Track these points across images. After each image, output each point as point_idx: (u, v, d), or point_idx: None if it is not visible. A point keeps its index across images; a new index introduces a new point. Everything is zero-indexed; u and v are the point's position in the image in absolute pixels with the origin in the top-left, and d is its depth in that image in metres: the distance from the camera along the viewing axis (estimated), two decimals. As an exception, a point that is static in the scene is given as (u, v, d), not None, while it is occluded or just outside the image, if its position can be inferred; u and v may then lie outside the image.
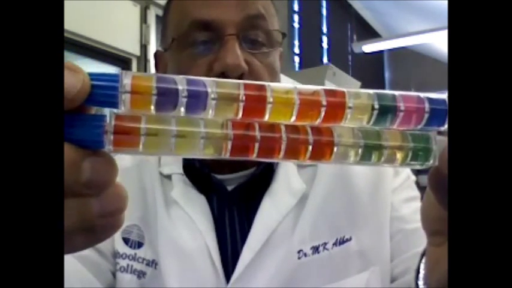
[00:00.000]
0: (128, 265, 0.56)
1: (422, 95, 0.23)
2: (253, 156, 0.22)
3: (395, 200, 0.59)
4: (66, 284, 0.50)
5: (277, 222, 0.54)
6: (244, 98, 0.21)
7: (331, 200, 0.56)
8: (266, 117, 0.22)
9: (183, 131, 0.20)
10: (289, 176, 0.57)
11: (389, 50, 4.48)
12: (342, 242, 0.54)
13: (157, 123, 0.20)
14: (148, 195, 0.59)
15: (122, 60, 2.16)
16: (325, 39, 3.87)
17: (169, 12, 0.57)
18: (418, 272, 0.35)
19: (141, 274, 0.55)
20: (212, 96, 0.20)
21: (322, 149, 0.22)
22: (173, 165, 0.59)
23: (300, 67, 3.47)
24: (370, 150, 0.23)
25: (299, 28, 3.54)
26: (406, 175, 0.62)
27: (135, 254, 0.56)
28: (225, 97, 0.20)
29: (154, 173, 0.60)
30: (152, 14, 2.28)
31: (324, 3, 3.94)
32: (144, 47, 2.25)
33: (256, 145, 0.21)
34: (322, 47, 3.85)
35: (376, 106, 0.22)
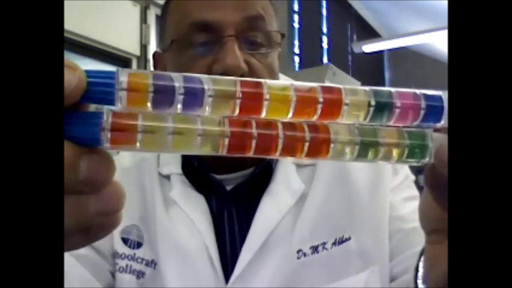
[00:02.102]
0: (127, 265, 0.56)
1: (418, 91, 0.23)
2: (250, 153, 0.22)
3: (395, 199, 0.59)
4: (66, 283, 0.50)
5: (276, 222, 0.54)
6: (240, 95, 0.21)
7: (330, 200, 0.56)
8: (263, 114, 0.22)
9: (180, 128, 0.20)
10: (288, 176, 0.57)
11: (389, 50, 4.48)
12: (341, 241, 0.54)
13: (154, 120, 0.20)
14: (147, 195, 0.59)
15: (121, 60, 2.16)
16: (325, 39, 3.87)
17: (168, 13, 0.57)
18: (417, 270, 0.36)
19: (140, 274, 0.55)
20: (209, 93, 0.20)
21: (318, 146, 0.22)
22: (172, 165, 0.59)
23: (300, 67, 3.46)
24: (367, 147, 0.23)
25: (299, 28, 3.54)
26: (405, 174, 0.62)
27: (134, 254, 0.56)
28: (222, 94, 0.21)
29: (154, 173, 0.60)
30: (152, 14, 2.28)
31: (324, 3, 3.94)
32: (144, 47, 2.25)
33: (253, 142, 0.21)
34: (322, 47, 3.85)
35: (373, 103, 0.22)
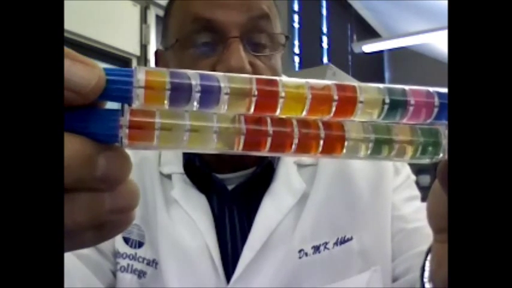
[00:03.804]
0: (128, 265, 0.56)
1: (431, 89, 0.23)
2: (265, 151, 0.22)
3: (396, 199, 0.59)
4: (67, 282, 0.50)
5: (278, 221, 0.54)
6: (256, 92, 0.21)
7: (332, 200, 0.56)
8: (277, 112, 0.22)
9: (197, 125, 0.20)
10: (289, 176, 0.57)
11: (389, 50, 4.48)
12: (343, 241, 0.54)
13: (171, 118, 0.20)
14: (148, 194, 0.59)
15: (121, 60, 2.17)
16: (325, 39, 3.87)
17: (172, 11, 0.57)
18: (423, 270, 0.35)
19: (141, 274, 0.55)
20: (225, 91, 0.20)
21: (333, 144, 0.22)
22: (173, 164, 0.59)
23: (300, 67, 3.46)
24: (381, 144, 0.23)
25: (299, 28, 3.54)
26: (406, 174, 0.62)
27: (136, 253, 0.56)
28: (238, 92, 0.21)
29: (155, 172, 0.60)
30: (152, 14, 2.29)
31: (324, 3, 3.94)
32: (144, 47, 2.25)
33: (269, 140, 0.21)
34: (322, 47, 3.85)
35: (387, 101, 0.22)
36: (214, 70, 0.51)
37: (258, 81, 0.21)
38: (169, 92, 0.20)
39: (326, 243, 0.54)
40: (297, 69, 3.44)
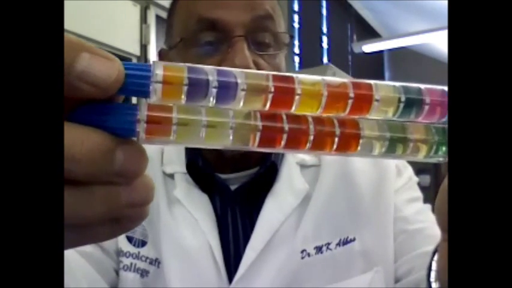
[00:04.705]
0: (131, 263, 0.56)
1: (446, 88, 0.23)
2: (280, 148, 0.22)
3: (399, 200, 0.59)
4: (71, 279, 0.50)
5: (280, 222, 0.54)
6: (273, 89, 0.21)
7: (334, 200, 0.56)
8: (293, 109, 0.22)
9: (213, 121, 0.20)
10: (292, 176, 0.57)
11: (389, 50, 4.49)
12: (345, 242, 0.54)
13: (188, 113, 0.20)
14: None
15: (121, 60, 2.16)
16: (325, 39, 3.87)
17: (176, 10, 0.57)
18: (429, 269, 0.35)
19: (144, 273, 0.55)
20: (242, 87, 0.20)
21: (348, 141, 0.22)
22: (176, 164, 0.59)
23: (300, 67, 3.47)
24: (395, 143, 0.23)
25: (299, 28, 3.54)
26: (408, 176, 0.62)
27: (139, 252, 0.56)
28: (255, 88, 0.21)
29: (157, 172, 0.60)
30: (152, 14, 2.28)
31: (324, 3, 3.94)
32: (144, 47, 2.25)
33: (284, 136, 0.21)
34: (322, 47, 3.85)
35: (403, 99, 0.22)
36: None
37: (275, 78, 0.21)
38: (187, 87, 0.19)
39: (328, 243, 0.54)
40: (297, 69, 3.44)
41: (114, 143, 0.19)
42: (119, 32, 2.10)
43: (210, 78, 0.20)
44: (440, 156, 0.24)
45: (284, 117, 0.22)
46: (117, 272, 0.57)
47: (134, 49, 2.20)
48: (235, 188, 0.57)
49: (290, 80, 0.21)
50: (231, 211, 0.57)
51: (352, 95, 0.22)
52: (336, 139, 0.22)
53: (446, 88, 0.24)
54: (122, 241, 0.57)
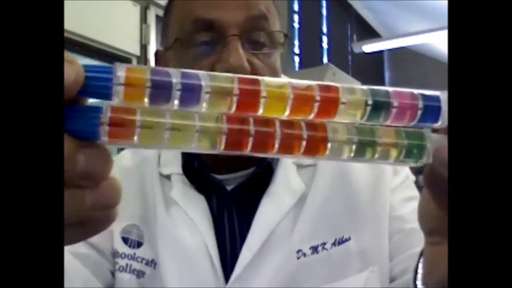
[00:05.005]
0: (127, 265, 0.56)
1: (416, 91, 0.23)
2: (247, 151, 0.22)
3: (395, 199, 0.59)
4: (66, 282, 0.50)
5: (276, 222, 0.54)
6: (238, 92, 0.21)
7: (330, 200, 0.56)
8: (260, 112, 0.22)
9: (178, 124, 0.20)
10: (288, 176, 0.57)
11: (389, 50, 4.48)
12: (341, 241, 0.54)
13: (152, 115, 0.20)
14: (148, 195, 0.59)
15: (121, 60, 2.16)
16: (325, 39, 3.87)
17: (171, 11, 0.57)
18: (416, 272, 0.35)
19: (140, 274, 0.55)
20: (206, 89, 0.20)
21: (316, 145, 0.22)
22: (173, 165, 0.59)
23: (300, 67, 3.46)
24: (364, 146, 0.23)
25: (299, 28, 3.54)
26: (405, 175, 0.62)
27: (135, 253, 0.56)
28: (219, 91, 0.21)
29: (154, 173, 0.60)
30: (152, 14, 2.28)
31: (324, 3, 3.94)
32: (144, 47, 2.25)
33: (250, 140, 0.21)
34: (322, 47, 3.85)
35: (370, 102, 0.22)
36: (213, 69, 0.51)
37: (240, 80, 0.21)
38: (150, 90, 0.19)
39: (324, 243, 0.54)
40: (297, 69, 3.44)
41: (75, 146, 0.19)
42: (119, 32, 2.10)
43: (174, 80, 0.20)
44: (412, 161, 0.24)
45: (251, 120, 0.22)
46: (113, 274, 0.57)
47: (134, 49, 2.20)
48: (232, 189, 0.57)
49: (256, 82, 0.21)
50: (228, 211, 0.57)
51: (318, 98, 0.22)
52: (304, 142, 0.22)
53: (417, 91, 0.24)
54: (117, 242, 0.57)
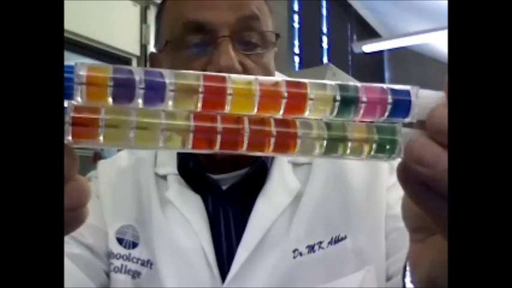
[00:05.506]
0: (122, 265, 0.56)
1: (385, 86, 0.23)
2: (217, 148, 0.22)
3: (391, 198, 0.58)
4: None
5: (272, 221, 0.54)
6: (203, 89, 0.21)
7: (326, 199, 0.56)
8: (227, 109, 0.21)
9: (144, 122, 0.20)
10: (283, 175, 0.57)
11: (389, 50, 4.47)
12: (337, 240, 0.54)
13: (116, 114, 0.20)
14: (143, 195, 0.59)
15: (122, 60, 2.17)
16: (325, 39, 3.87)
17: (163, 13, 0.57)
18: (405, 269, 0.35)
19: (135, 274, 0.55)
20: (170, 87, 0.20)
21: (285, 141, 0.22)
22: (169, 165, 0.59)
23: (300, 67, 3.46)
24: (335, 142, 0.23)
25: (299, 28, 3.53)
26: None
27: (130, 254, 0.56)
28: (184, 88, 0.20)
29: (150, 173, 0.60)
30: (152, 14, 2.28)
31: (324, 3, 3.93)
32: (144, 47, 2.25)
33: (219, 137, 0.21)
34: (322, 47, 3.84)
35: (338, 97, 0.22)
36: (205, 71, 0.51)
37: (206, 77, 0.21)
38: (112, 88, 0.19)
39: (320, 242, 0.54)
40: (297, 69, 3.44)
41: None
42: (118, 32, 2.11)
43: (137, 78, 0.20)
44: (386, 156, 0.24)
45: (219, 118, 0.21)
46: (107, 275, 0.57)
47: (134, 49, 2.20)
48: (227, 188, 0.57)
49: (222, 80, 0.21)
50: (223, 211, 0.57)
51: (285, 94, 0.21)
52: (273, 139, 0.22)
53: (386, 86, 0.24)
54: (112, 243, 0.57)
